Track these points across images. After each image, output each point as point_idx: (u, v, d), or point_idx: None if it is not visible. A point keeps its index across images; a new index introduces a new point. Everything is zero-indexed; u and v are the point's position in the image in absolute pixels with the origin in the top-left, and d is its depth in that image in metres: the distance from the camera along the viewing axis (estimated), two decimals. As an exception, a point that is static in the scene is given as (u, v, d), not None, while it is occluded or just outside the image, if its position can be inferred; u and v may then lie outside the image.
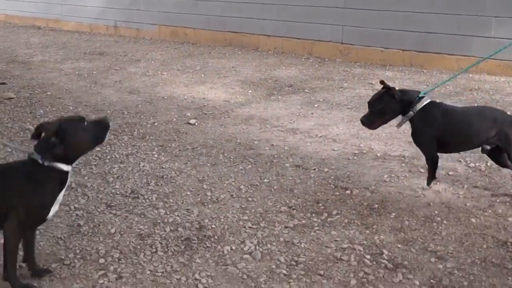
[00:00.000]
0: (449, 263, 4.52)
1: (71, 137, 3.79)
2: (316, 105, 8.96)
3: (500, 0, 10.69)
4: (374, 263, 4.53)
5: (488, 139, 5.33)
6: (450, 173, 6.29)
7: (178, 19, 15.58)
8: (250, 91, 9.93)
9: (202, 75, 11.19)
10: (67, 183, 3.95)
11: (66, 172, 3.85)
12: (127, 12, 16.63)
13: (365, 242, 4.84)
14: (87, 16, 17.84)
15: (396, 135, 7.45)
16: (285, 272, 4.39)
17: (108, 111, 8.72)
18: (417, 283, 4.25)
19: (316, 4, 12.96)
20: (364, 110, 8.27)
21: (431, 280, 4.29)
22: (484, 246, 4.78)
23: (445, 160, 6.58)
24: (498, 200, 5.63)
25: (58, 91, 9.99)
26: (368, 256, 4.61)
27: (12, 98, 9.39)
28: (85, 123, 3.94)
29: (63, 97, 9.55)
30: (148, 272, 4.36)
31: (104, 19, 17.26)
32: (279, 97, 9.55)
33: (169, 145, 7.25)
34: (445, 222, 5.22)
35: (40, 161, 3.72)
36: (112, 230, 4.99)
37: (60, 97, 9.55)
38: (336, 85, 10.20)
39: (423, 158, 5.84)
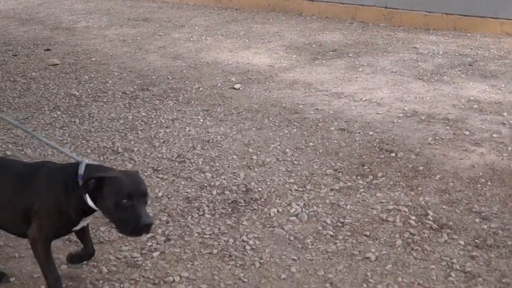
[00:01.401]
0: (493, 224, 4.52)
1: (102, 199, 3.23)
2: (360, 69, 8.88)
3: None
4: (419, 224, 4.54)
5: None
6: (494, 135, 6.22)
7: None
8: (294, 55, 9.86)
9: (246, 40, 11.12)
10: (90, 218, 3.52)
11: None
12: None
13: (410, 203, 4.85)
14: None
15: (441, 98, 7.38)
16: (331, 233, 4.43)
17: (153, 77, 8.73)
18: (462, 243, 4.26)
19: None
20: (408, 73, 8.24)
21: (476, 240, 4.30)
22: None
23: (489, 122, 6.53)
24: None
25: (103, 57, 10.02)
26: (413, 217, 4.62)
27: (57, 64, 9.46)
28: (127, 201, 3.17)
29: (107, 63, 9.57)
30: (196, 234, 4.42)
31: None
32: (323, 61, 9.47)
33: (214, 109, 7.26)
34: (489, 183, 5.20)
35: (78, 178, 3.29)
36: (160, 194, 5.05)
37: (105, 63, 9.57)
38: (380, 49, 10.07)
39: (468, 120, 5.80)
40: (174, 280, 3.83)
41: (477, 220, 4.58)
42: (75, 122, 6.78)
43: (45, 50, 10.50)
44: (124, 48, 10.68)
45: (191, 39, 11.39)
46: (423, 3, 11.88)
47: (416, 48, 10.01)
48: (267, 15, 13.68)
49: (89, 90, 8.03)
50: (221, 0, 15.31)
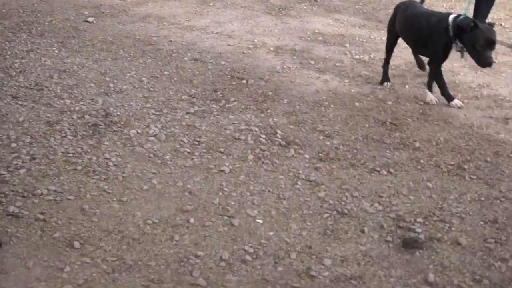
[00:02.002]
0: (335, 140, 5.02)
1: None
2: (211, 4, 9.14)
3: None
4: (269, 141, 4.97)
5: None
6: (337, 64, 6.73)
7: None
8: None
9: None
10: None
11: None
12: None
13: (260, 124, 5.26)
14: None
15: (288, 31, 7.82)
16: (188, 150, 4.76)
17: (3, 10, 8.61)
18: (307, 156, 4.72)
19: None
20: (258, 8, 8.60)
21: (320, 154, 4.78)
22: (366, 126, 5.32)
23: (332, 53, 7.03)
24: (379, 87, 6.13)
25: None
26: (264, 136, 5.04)
27: None
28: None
29: None
30: (60, 153, 4.62)
31: None
32: None
33: (69, 41, 7.34)
34: (332, 106, 5.71)
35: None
36: (21, 119, 5.18)
37: None
38: None
39: (313, 51, 6.27)
40: (42, 193, 4.04)
41: (321, 137, 5.06)
42: None
43: None
44: None
45: None
46: None
47: None
48: None
49: None
50: None
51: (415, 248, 3.64)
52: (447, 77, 6.28)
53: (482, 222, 3.97)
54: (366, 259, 3.53)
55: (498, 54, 7.12)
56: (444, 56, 5.67)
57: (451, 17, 5.52)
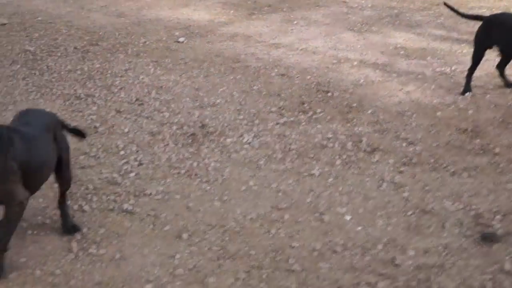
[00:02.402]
0: (418, 147, 5.31)
1: None
2: (295, 22, 9.51)
3: None
4: (355, 148, 5.30)
5: None
6: (419, 76, 7.00)
7: None
8: (232, 11, 10.38)
9: None
10: None
11: None
12: None
13: (346, 132, 5.60)
14: None
15: (370, 46, 8.13)
16: (280, 156, 5.15)
17: (100, 33, 9.18)
18: (392, 161, 5.03)
19: None
20: (340, 25, 8.96)
21: (403, 159, 5.08)
22: (448, 133, 5.58)
23: (414, 66, 7.32)
24: (460, 97, 6.36)
25: (48, 16, 10.28)
26: (350, 143, 5.37)
27: (5, 24, 9.81)
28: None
29: (54, 22, 9.82)
30: (164, 159, 5.10)
31: None
32: (260, 16, 10.04)
33: (163, 60, 7.83)
34: (414, 115, 5.98)
35: None
36: (126, 130, 5.69)
37: (51, 22, 9.84)
38: (312, 4, 10.69)
39: (395, 64, 6.59)
40: (151, 193, 4.52)
41: (404, 144, 5.36)
42: (35, 73, 7.27)
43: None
44: (67, 8, 10.92)
45: None
46: None
47: (345, 2, 10.68)
48: None
49: (41, 46, 8.40)
50: None
51: (493, 242, 3.90)
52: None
53: None
54: (446, 251, 3.83)
55: None
56: None
57: None
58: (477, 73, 6.60)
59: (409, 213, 4.29)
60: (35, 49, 8.27)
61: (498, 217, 4.22)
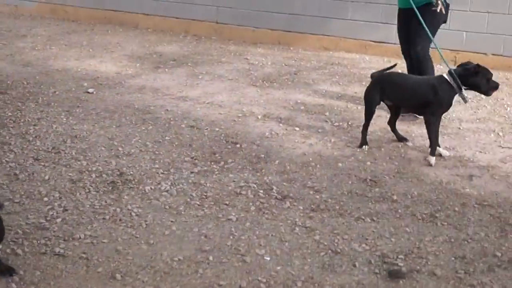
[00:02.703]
0: (324, 194, 5.70)
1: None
2: (200, 77, 9.87)
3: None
4: (267, 195, 5.65)
5: None
6: (319, 130, 7.44)
7: None
8: (138, 64, 10.66)
9: (90, 50, 11.74)
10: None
11: None
12: None
13: (257, 181, 5.94)
14: None
15: (273, 101, 8.56)
16: (198, 203, 5.43)
17: (8, 82, 9.28)
18: (301, 207, 5.40)
19: None
20: (243, 81, 9.37)
21: (312, 206, 5.45)
22: (350, 182, 6.00)
23: (314, 120, 7.78)
24: (358, 150, 6.84)
25: None
26: (261, 191, 5.72)
27: None
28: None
29: None
30: (88, 205, 5.30)
31: None
32: (166, 69, 10.34)
33: (74, 110, 8.02)
34: (318, 166, 6.38)
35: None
36: (46, 177, 5.84)
37: None
38: (215, 60, 11.08)
39: (297, 119, 7.04)
40: (80, 237, 4.71)
41: (311, 192, 5.74)
42: None
43: None
44: None
45: (36, 48, 11.84)
46: (250, 19, 12.95)
47: (247, 59, 11.11)
48: (105, 27, 14.23)
49: None
50: (57, 11, 15.65)
51: (399, 278, 4.31)
52: (418, 141, 7.09)
53: (453, 258, 4.62)
54: (360, 286, 4.22)
55: (462, 122, 7.90)
56: (447, 108, 6.65)
57: (445, 75, 6.50)
58: (371, 128, 7.10)
59: (322, 253, 4.63)
60: None
61: (401, 256, 4.62)
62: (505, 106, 8.59)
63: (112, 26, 14.45)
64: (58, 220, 5.01)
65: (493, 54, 10.75)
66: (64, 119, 7.65)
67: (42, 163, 6.20)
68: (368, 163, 6.51)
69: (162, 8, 14.17)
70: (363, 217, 5.27)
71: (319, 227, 5.07)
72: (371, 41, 11.75)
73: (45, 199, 5.39)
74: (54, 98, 8.54)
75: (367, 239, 4.90)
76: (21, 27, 14.18)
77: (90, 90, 8.98)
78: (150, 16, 14.39)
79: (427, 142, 6.80)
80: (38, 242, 4.64)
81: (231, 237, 4.84)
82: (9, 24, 14.35)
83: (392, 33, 10.98)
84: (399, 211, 5.42)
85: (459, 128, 7.66)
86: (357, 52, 11.79)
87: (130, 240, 4.73)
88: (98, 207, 5.28)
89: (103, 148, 6.70)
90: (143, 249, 4.61)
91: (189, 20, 13.80)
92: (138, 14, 14.55)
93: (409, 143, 7.03)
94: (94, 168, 6.12)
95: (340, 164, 6.45)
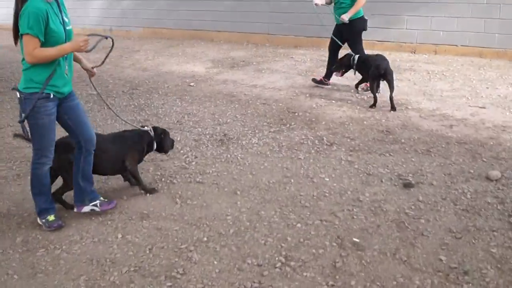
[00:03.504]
0: (357, 141, 6.25)
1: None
2: (263, 71, 10.39)
3: None
4: (320, 143, 6.23)
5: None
6: (348, 101, 7.96)
7: (157, 22, 16.45)
8: (219, 65, 11.20)
9: (185, 58, 12.32)
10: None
11: None
12: (119, 19, 17.43)
13: (313, 135, 6.52)
14: (89, 22, 18.15)
15: (314, 85, 9.05)
16: (277, 149, 6.05)
17: (136, 82, 9.95)
18: (343, 149, 5.99)
19: (251, 10, 14.16)
20: (292, 72, 9.85)
21: (350, 148, 6.03)
22: (372, 133, 6.54)
23: (344, 95, 8.30)
24: (375, 112, 7.38)
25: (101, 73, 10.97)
26: (317, 141, 6.31)
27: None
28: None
29: (101, 75, 10.38)
30: (209, 154, 5.97)
31: (102, 24, 17.72)
32: (239, 68, 10.86)
33: (184, 97, 8.65)
34: (350, 124, 6.90)
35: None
36: (178, 139, 6.49)
37: (99, 75, 10.37)
38: (271, 60, 11.56)
39: (332, 95, 7.62)
40: (209, 172, 5.43)
41: (348, 140, 6.30)
42: (104, 108, 8.02)
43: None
44: (107, 65, 11.59)
45: (149, 59, 12.42)
46: (292, 30, 13.36)
47: (293, 57, 11.56)
48: (191, 42, 14.73)
49: (100, 91, 9.17)
50: (157, 32, 16.22)
51: (410, 187, 4.90)
52: (415, 105, 7.63)
53: (443, 175, 5.19)
54: (385, 193, 4.85)
55: (443, 91, 8.39)
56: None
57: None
58: (384, 98, 7.63)
59: (360, 175, 5.24)
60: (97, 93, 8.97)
61: (410, 174, 5.21)
62: (472, 80, 8.98)
63: (196, 40, 14.94)
64: (193, 163, 5.70)
65: (461, 45, 11.07)
66: (179, 103, 8.29)
67: (174, 131, 6.83)
68: (383, 120, 7.01)
69: (230, 26, 14.62)
70: (384, 153, 5.84)
71: (356, 160, 5.66)
72: (376, 40, 12.04)
73: (182, 151, 6.08)
74: (168, 90, 9.18)
75: (387, 166, 5.48)
76: (134, 45, 14.73)
77: (192, 84, 9.58)
78: (221, 32, 14.83)
79: (423, 105, 7.35)
80: (184, 176, 5.36)
81: (302, 168, 5.48)
82: (126, 44, 14.90)
83: (390, 34, 11.39)
84: (406, 148, 5.96)
85: (441, 96, 8.12)
86: (367, 48, 12.13)
87: (240, 172, 5.41)
88: (215, 154, 5.95)
89: (209, 120, 7.32)
90: (249, 177, 5.29)
91: (249, 33, 14.20)
92: (213, 31, 15.00)
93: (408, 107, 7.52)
94: (206, 132, 6.77)
95: (365, 122, 6.96)
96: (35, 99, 3.82)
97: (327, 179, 5.16)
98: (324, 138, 6.40)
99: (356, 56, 7.88)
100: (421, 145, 6.06)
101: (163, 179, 5.23)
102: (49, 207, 4.29)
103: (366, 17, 8.27)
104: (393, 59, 10.74)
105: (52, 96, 3.92)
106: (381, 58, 7.52)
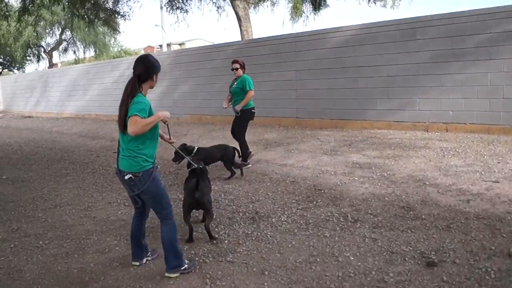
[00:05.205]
0: (379, 217, 5.68)
1: None
2: (292, 151, 10.00)
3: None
4: (345, 220, 5.66)
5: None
6: (369, 179, 7.41)
7: (201, 109, 16.46)
8: (255, 146, 10.82)
9: (225, 140, 11.88)
10: None
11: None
12: (172, 108, 17.43)
13: (338, 212, 5.97)
14: None
15: (338, 163, 8.60)
16: (304, 227, 5.51)
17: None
18: (367, 226, 5.40)
19: (281, 97, 14.00)
20: (318, 152, 9.41)
21: (373, 224, 5.44)
22: (394, 209, 5.93)
23: (366, 172, 7.74)
24: (396, 188, 6.80)
25: None
26: (341, 218, 5.73)
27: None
28: None
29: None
30: (241, 231, 5.44)
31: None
32: (271, 148, 10.51)
33: (222, 176, 8.24)
34: (373, 200, 6.34)
35: None
36: (214, 216, 5.96)
37: None
38: (299, 140, 11.17)
39: (355, 172, 7.06)
40: (240, 250, 4.87)
41: (371, 216, 5.73)
42: None
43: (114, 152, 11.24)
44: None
45: (194, 142, 12.23)
46: (317, 114, 13.11)
47: (318, 138, 11.14)
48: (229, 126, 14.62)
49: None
50: (201, 119, 16.11)
51: (433, 266, 4.27)
52: (434, 180, 7.02)
53: (464, 252, 4.54)
54: (410, 272, 4.22)
55: (458, 167, 7.77)
56: None
57: None
58: (401, 173, 7.05)
59: (384, 253, 4.63)
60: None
61: (433, 252, 4.59)
62: (483, 155, 8.38)
63: (235, 124, 14.70)
64: (226, 241, 5.17)
65: (470, 123, 10.51)
66: (218, 182, 7.87)
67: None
68: (403, 196, 6.44)
69: (263, 111, 14.33)
70: (406, 230, 5.24)
71: (379, 237, 5.07)
72: (393, 121, 11.62)
73: (216, 229, 5.58)
74: (208, 170, 8.74)
75: (410, 243, 4.87)
76: (182, 129, 14.61)
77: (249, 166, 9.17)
78: (258, 117, 14.45)
79: (439, 180, 6.75)
80: (216, 254, 4.82)
81: (328, 247, 4.90)
82: (175, 129, 14.71)
83: (405, 115, 11.00)
84: (427, 225, 5.36)
85: (456, 171, 7.55)
86: (385, 129, 11.75)
87: (269, 251, 4.86)
88: (247, 232, 5.43)
89: (243, 198, 6.86)
90: (277, 255, 4.74)
91: (280, 117, 13.97)
92: (250, 116, 14.80)
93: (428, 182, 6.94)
94: (240, 210, 6.29)
95: (386, 198, 6.40)
96: (150, 173, 4.03)
97: (352, 258, 4.58)
98: (349, 215, 5.84)
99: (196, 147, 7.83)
100: (441, 221, 5.44)
101: (196, 258, 4.70)
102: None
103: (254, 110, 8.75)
104: (409, 137, 10.23)
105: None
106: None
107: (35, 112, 27.38)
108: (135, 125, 3.82)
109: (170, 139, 4.86)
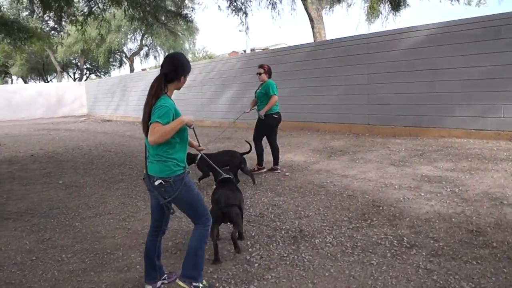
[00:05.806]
0: (441, 243, 4.88)
1: None
2: (357, 161, 9.29)
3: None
4: (399, 244, 4.94)
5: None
6: (438, 195, 6.57)
7: None
8: (318, 155, 10.29)
9: (289, 147, 11.54)
10: None
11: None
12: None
13: (393, 234, 5.24)
14: (217, 116, 18.38)
15: (405, 175, 7.78)
16: (350, 251, 4.84)
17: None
18: (424, 253, 4.62)
19: (352, 102, 13.32)
20: (385, 162, 8.64)
21: (432, 252, 4.66)
22: (460, 233, 5.11)
23: (434, 187, 6.89)
24: (466, 208, 5.90)
25: None
26: (396, 241, 5.00)
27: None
28: None
29: None
30: (276, 254, 4.88)
31: (226, 118, 17.72)
32: (335, 157, 9.87)
33: (276, 187, 7.73)
34: (437, 221, 5.54)
35: None
36: (253, 234, 5.51)
37: None
38: (367, 149, 10.46)
39: (422, 187, 6.23)
40: (268, 277, 4.30)
41: (431, 241, 4.95)
42: None
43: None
44: None
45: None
46: (390, 120, 12.31)
47: (388, 147, 10.36)
48: (299, 132, 14.13)
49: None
50: None
51: None
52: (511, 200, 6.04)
53: None
54: None
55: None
56: None
57: None
58: (477, 190, 6.16)
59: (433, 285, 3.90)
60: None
61: None
62: None
63: (303, 131, 14.32)
64: (256, 265, 4.64)
65: None
66: (269, 193, 7.39)
67: (252, 224, 5.90)
68: (474, 217, 5.59)
69: (334, 117, 13.86)
70: (470, 260, 4.45)
71: (436, 269, 4.31)
72: (473, 129, 10.52)
73: (250, 249, 5.05)
74: (263, 180, 8.29)
75: (473, 278, 4.08)
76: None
77: (287, 173, 8.70)
78: (327, 123, 14.12)
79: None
80: (241, 281, 4.30)
81: (372, 278, 4.22)
82: (244, 134, 14.43)
83: (487, 123, 9.91)
84: (498, 255, 4.52)
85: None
86: (464, 138, 10.67)
87: (301, 280, 4.26)
88: (283, 255, 4.86)
89: (291, 213, 6.31)
90: (309, 286, 4.12)
91: (351, 124, 13.33)
92: (320, 123, 14.34)
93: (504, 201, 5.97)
94: (283, 227, 5.73)
95: (453, 219, 5.58)
96: (182, 178, 3.74)
97: (398, 291, 3.82)
98: (405, 238, 5.08)
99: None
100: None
101: (217, 284, 4.16)
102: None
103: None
104: (490, 147, 9.13)
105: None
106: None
107: (115, 116, 28.29)
108: (155, 133, 3.55)
109: (199, 146, 4.51)
